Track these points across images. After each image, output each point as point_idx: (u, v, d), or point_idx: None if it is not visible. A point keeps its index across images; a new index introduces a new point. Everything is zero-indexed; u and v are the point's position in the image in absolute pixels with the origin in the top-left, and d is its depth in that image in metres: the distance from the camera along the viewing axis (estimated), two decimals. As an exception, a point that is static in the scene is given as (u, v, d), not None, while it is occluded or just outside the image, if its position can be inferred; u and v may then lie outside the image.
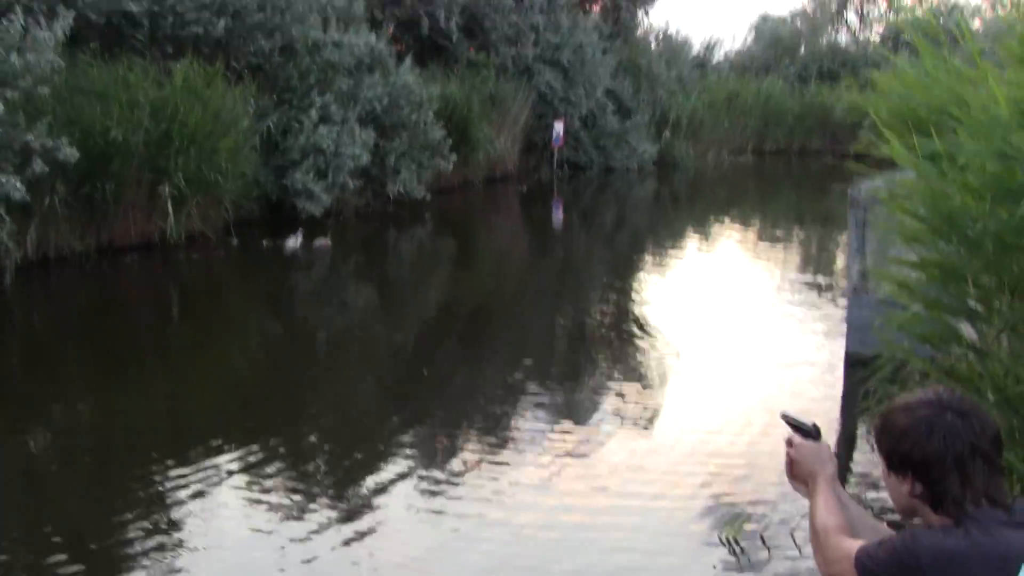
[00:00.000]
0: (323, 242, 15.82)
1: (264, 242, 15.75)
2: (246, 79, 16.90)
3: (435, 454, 6.62)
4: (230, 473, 6.03)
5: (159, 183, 14.54)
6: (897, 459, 1.67)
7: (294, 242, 15.49)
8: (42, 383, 8.40)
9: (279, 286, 13.42)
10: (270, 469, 6.15)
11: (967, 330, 4.08)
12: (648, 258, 16.76)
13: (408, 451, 6.59)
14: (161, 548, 4.99)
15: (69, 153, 12.38)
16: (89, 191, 13.76)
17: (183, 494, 5.70)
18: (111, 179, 13.93)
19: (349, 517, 5.44)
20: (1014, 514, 1.62)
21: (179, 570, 4.76)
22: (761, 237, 19.20)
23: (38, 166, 11.85)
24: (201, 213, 15.47)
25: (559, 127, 26.08)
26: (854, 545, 1.67)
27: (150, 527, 5.23)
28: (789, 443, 1.90)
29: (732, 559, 4.80)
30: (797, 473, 1.89)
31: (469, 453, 6.63)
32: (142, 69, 14.77)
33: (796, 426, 1.92)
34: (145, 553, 4.88)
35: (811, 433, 1.88)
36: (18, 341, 10.41)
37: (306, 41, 17.84)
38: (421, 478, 6.08)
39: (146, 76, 14.67)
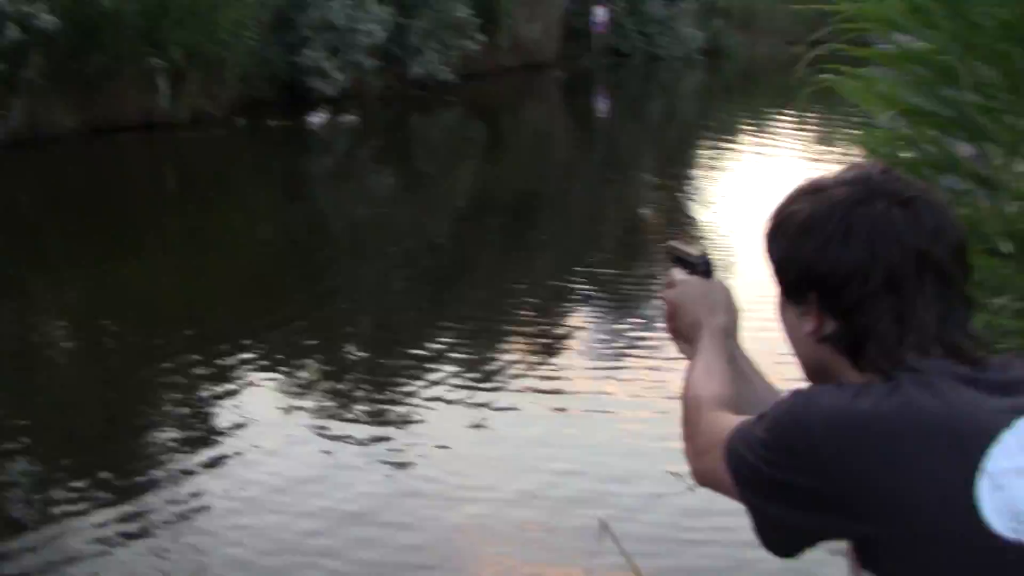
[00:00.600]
0: (350, 118, 15.15)
1: (270, 122, 14.76)
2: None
3: (465, 347, 6.18)
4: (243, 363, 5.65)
5: (156, 58, 13.54)
6: (795, 275, 1.02)
7: (319, 119, 14.75)
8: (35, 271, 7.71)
9: (292, 166, 12.50)
10: (288, 363, 5.71)
11: (966, 152, 2.96)
12: (698, 153, 15.15)
13: (437, 344, 6.08)
14: (189, 444, 4.69)
15: (48, 20, 11.43)
16: (78, 66, 12.86)
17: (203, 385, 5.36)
18: (101, 52, 13.01)
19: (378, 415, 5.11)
20: (984, 370, 0.96)
21: (211, 464, 4.46)
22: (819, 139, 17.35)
23: (13, 32, 10.92)
24: (206, 91, 14.55)
25: (600, 11, 24.55)
26: (733, 424, 1.04)
27: (173, 420, 4.98)
28: (669, 283, 1.35)
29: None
30: (678, 326, 1.31)
31: (504, 346, 6.24)
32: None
33: (681, 259, 1.37)
34: (169, 448, 4.63)
35: (698, 267, 1.33)
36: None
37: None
38: (452, 373, 5.68)
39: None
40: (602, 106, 20.85)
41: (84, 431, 4.75)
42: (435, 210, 9.99)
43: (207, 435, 4.68)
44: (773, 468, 0.95)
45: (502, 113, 18.60)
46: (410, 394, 5.21)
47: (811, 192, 1.02)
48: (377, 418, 5.01)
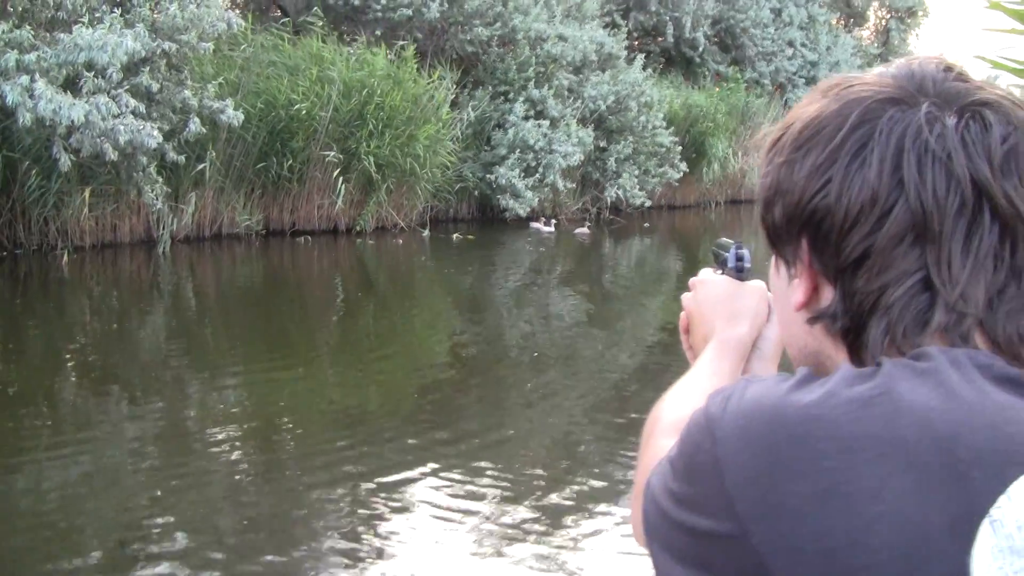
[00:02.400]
0: (582, 231, 15.73)
1: (455, 235, 14.23)
2: (455, 67, 15.20)
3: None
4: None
5: (348, 166, 13.02)
6: (782, 210, 0.75)
7: (547, 227, 15.50)
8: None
9: (472, 279, 11.67)
10: (458, 486, 4.80)
11: None
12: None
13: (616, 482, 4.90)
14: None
15: (233, 115, 10.83)
16: (267, 166, 12.40)
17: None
18: (292, 156, 12.60)
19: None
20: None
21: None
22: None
23: (195, 126, 10.33)
24: (394, 202, 14.00)
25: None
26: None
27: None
28: (692, 284, 1.11)
29: None
30: (692, 341, 1.08)
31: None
32: (337, 47, 13.34)
33: (716, 255, 1.14)
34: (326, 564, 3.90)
35: (728, 262, 1.08)
36: (161, 321, 8.99)
37: (527, 32, 15.89)
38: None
39: (340, 54, 13.17)
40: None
41: (234, 538, 4.14)
42: (628, 340, 8.53)
43: (368, 554, 3.97)
44: (676, 503, 0.67)
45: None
46: (584, 537, 4.21)
47: (831, 88, 0.76)
48: (550, 562, 3.98)
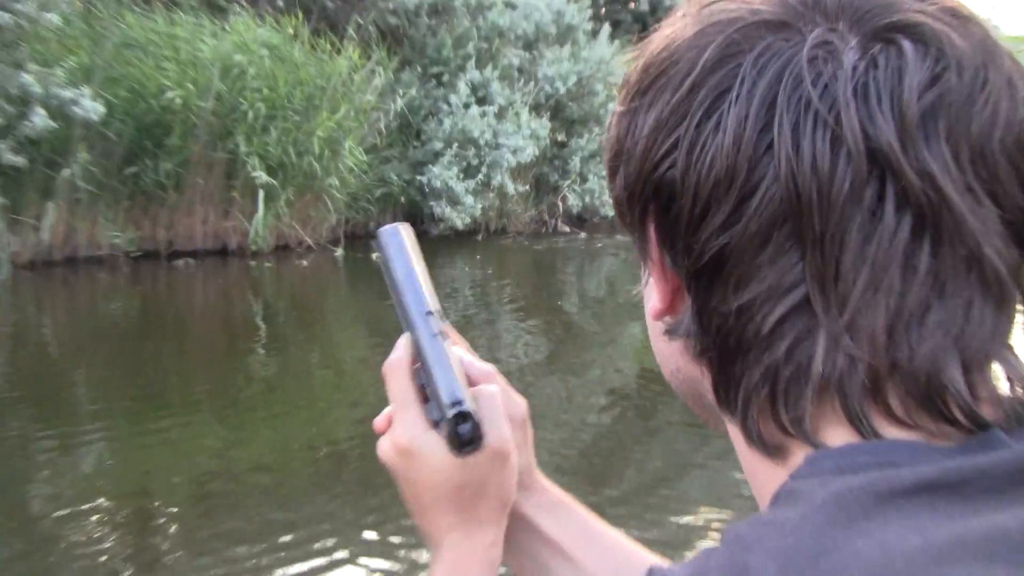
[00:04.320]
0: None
1: (376, 255, 13.81)
2: (376, 44, 15.40)
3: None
4: None
5: (237, 170, 13.12)
6: (622, 186, 0.71)
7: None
8: None
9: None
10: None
11: None
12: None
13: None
14: None
15: (91, 108, 10.84)
16: (134, 173, 12.38)
17: None
18: (168, 157, 12.67)
19: None
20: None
21: None
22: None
23: (38, 120, 10.31)
24: (297, 215, 14.05)
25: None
26: None
27: None
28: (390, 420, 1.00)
29: None
30: (412, 504, 0.99)
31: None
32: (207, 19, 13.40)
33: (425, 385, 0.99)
34: None
35: (444, 427, 0.94)
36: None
37: (466, 1, 16.12)
38: None
39: (211, 29, 13.27)
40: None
41: None
42: (595, 394, 8.75)
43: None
44: None
45: None
46: None
47: (697, 5, 0.71)
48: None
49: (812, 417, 0.61)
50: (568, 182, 17.52)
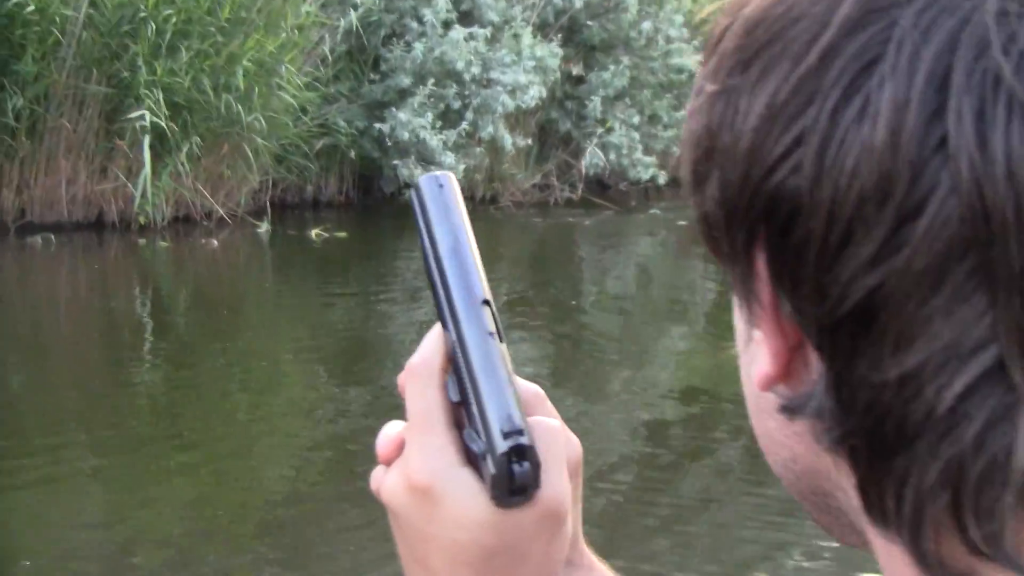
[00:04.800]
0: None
1: (316, 232, 14.44)
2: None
3: None
4: None
5: (121, 109, 13.21)
6: (717, 197, 0.72)
7: None
8: None
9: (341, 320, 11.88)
10: None
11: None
12: None
13: None
14: None
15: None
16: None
17: None
18: (20, 89, 12.80)
19: None
20: None
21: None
22: None
23: None
24: (208, 176, 14.21)
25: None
26: None
27: None
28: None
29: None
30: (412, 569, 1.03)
31: None
32: None
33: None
34: None
35: (489, 465, 0.96)
36: None
37: None
38: None
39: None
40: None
41: None
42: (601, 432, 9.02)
43: None
44: None
45: None
46: None
47: None
48: None
49: (1015, 532, 0.62)
50: (586, 134, 17.68)
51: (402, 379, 0.99)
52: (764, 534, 7.20)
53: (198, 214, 14.04)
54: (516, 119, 16.57)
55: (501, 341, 0.99)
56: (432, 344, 0.99)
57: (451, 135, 15.66)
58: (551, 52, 16.70)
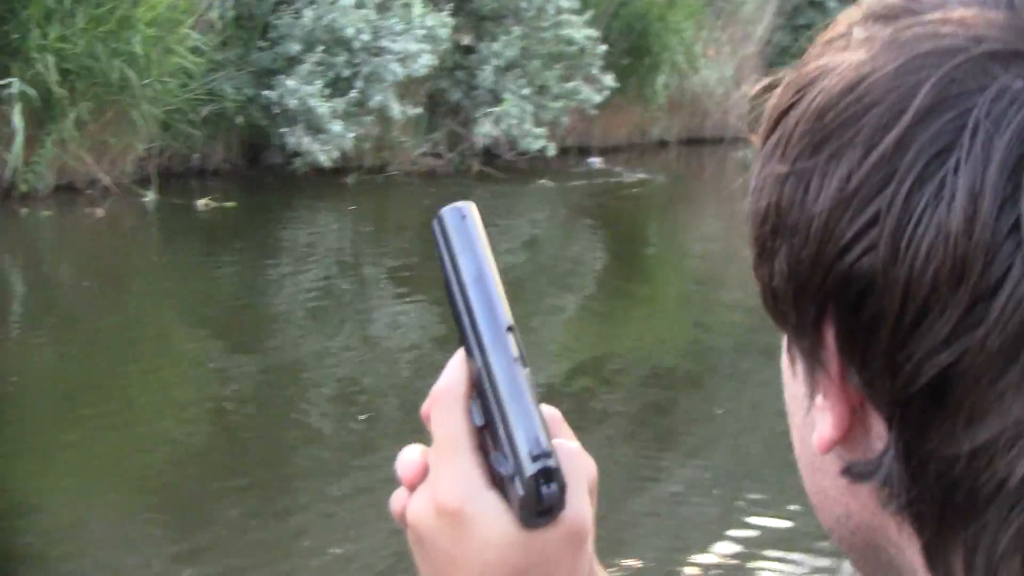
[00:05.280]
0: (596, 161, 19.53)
1: (203, 202, 14.39)
2: None
3: None
4: None
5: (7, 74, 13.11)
6: (786, 274, 0.75)
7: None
8: None
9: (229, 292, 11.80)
10: None
11: None
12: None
13: None
14: None
15: None
16: None
17: None
18: None
19: None
20: None
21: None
22: None
23: None
24: (92, 143, 14.05)
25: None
26: None
27: None
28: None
29: None
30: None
31: None
32: None
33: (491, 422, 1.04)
34: None
35: (517, 488, 0.97)
36: None
37: None
38: None
39: None
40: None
41: None
42: None
43: None
44: None
45: (631, 228, 17.71)
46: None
47: (886, 18, 0.73)
48: None
49: None
50: (476, 104, 17.79)
51: (427, 406, 1.01)
52: (656, 491, 7.44)
53: (82, 183, 13.93)
54: (406, 88, 16.55)
55: (525, 366, 0.99)
56: (456, 370, 1.00)
57: (340, 103, 15.64)
58: (441, 22, 16.70)
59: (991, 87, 0.64)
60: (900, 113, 0.66)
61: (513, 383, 0.98)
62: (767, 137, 0.74)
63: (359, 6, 15.80)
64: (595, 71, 18.98)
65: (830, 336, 0.70)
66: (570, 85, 18.72)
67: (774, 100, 0.75)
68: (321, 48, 15.62)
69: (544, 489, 0.94)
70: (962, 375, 0.64)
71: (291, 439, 8.01)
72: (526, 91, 18.00)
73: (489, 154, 18.13)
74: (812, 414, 0.75)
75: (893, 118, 0.66)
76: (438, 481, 0.96)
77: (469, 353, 1.01)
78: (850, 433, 0.72)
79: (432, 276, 11.19)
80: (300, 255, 12.86)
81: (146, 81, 13.85)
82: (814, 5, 25.10)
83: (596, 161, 19.65)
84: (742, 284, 11.89)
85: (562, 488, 0.95)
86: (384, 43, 15.92)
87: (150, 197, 14.13)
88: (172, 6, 14.21)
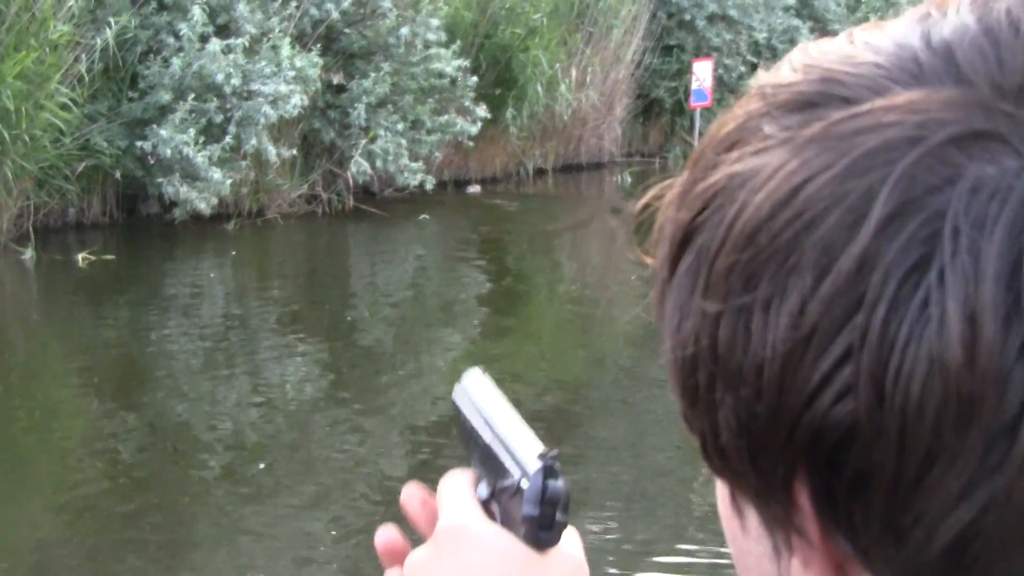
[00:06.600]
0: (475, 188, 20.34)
1: (84, 255, 14.27)
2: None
3: None
4: None
5: None
6: (734, 430, 0.62)
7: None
8: None
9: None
10: None
11: None
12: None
13: None
14: None
15: None
16: None
17: None
18: None
19: None
20: None
21: None
22: None
23: None
24: None
25: (703, 71, 23.95)
26: None
27: None
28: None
29: None
30: None
31: None
32: None
33: (468, 440, 1.05)
34: None
35: (525, 509, 0.96)
36: None
37: None
38: None
39: None
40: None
41: None
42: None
43: None
44: None
45: (510, 260, 17.63)
46: None
47: (816, 101, 0.61)
48: None
49: None
50: (351, 143, 17.74)
51: (418, 509, 1.02)
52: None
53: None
54: (279, 130, 16.52)
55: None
56: (459, 472, 1.01)
57: (215, 149, 15.51)
58: (311, 62, 16.63)
59: (961, 180, 0.55)
60: (855, 226, 0.56)
61: (506, 413, 1.01)
62: (675, 261, 0.64)
63: (227, 51, 15.71)
64: (467, 103, 19.00)
65: (804, 498, 0.60)
66: (444, 118, 18.75)
67: (674, 213, 0.65)
68: (192, 95, 15.49)
69: (551, 483, 0.94)
70: (987, 530, 0.55)
71: (185, 490, 8.00)
72: (400, 126, 17.97)
73: (367, 192, 18.16)
74: (781, 571, 0.65)
75: (848, 233, 0.56)
76: (450, 520, 0.97)
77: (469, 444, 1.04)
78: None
79: (319, 321, 11.29)
80: (184, 305, 12.82)
81: (19, 139, 13.84)
82: (683, 25, 25.02)
83: (475, 188, 20.02)
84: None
85: (559, 521, 0.95)
86: (255, 86, 15.84)
87: (28, 254, 14.08)
88: (39, 60, 14.17)
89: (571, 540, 0.97)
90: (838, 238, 0.56)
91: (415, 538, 1.03)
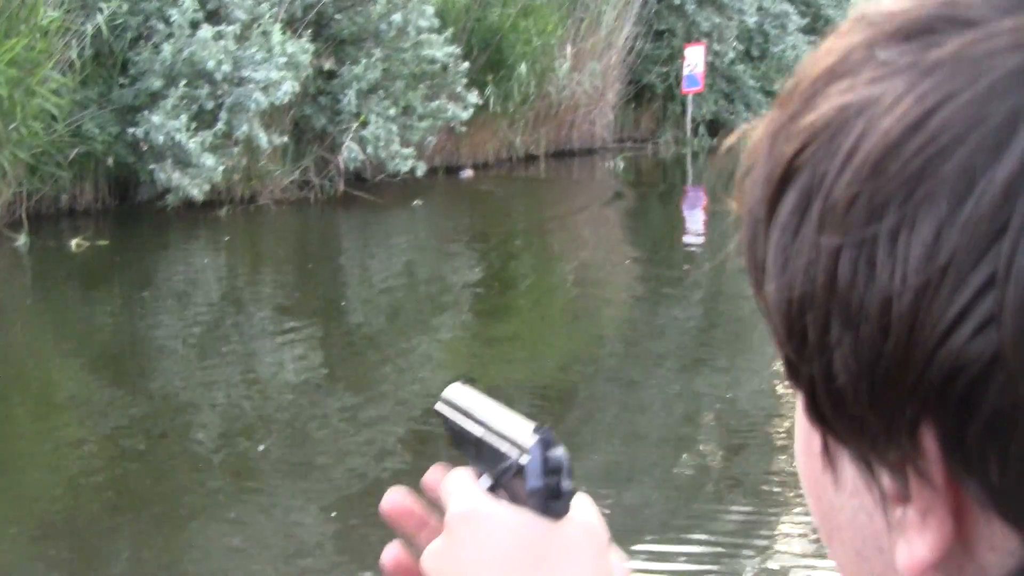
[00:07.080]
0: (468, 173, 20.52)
1: (77, 241, 14.28)
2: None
3: None
4: None
5: None
6: (854, 371, 0.58)
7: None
8: None
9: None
10: None
11: None
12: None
13: None
14: None
15: None
16: None
17: None
18: None
19: None
20: None
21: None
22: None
23: None
24: None
25: (694, 57, 24.09)
26: None
27: None
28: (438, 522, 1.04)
29: None
30: None
31: None
32: None
33: (457, 438, 1.12)
34: None
35: (530, 482, 0.97)
36: None
37: None
38: None
39: None
40: (698, 224, 19.57)
41: None
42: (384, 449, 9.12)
43: None
44: None
45: (502, 248, 17.30)
46: None
47: (904, 38, 0.58)
48: None
49: None
50: (342, 128, 17.75)
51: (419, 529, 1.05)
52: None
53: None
54: (271, 116, 16.55)
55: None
56: (460, 470, 1.03)
57: (207, 136, 15.53)
58: (302, 48, 16.66)
59: None
60: (998, 149, 0.54)
61: (493, 406, 1.05)
62: (775, 199, 0.62)
63: (217, 37, 15.74)
64: (459, 88, 19.00)
65: (930, 441, 0.57)
66: (435, 104, 18.74)
67: (769, 151, 0.63)
68: (183, 81, 15.54)
69: (550, 453, 0.96)
70: None
71: (183, 473, 8.01)
72: (391, 112, 17.97)
73: (359, 177, 18.15)
74: (896, 526, 0.62)
75: (991, 157, 0.54)
76: (459, 508, 0.98)
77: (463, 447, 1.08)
78: (950, 547, 0.60)
79: (314, 306, 11.27)
80: (177, 290, 12.86)
81: (12, 125, 13.87)
82: (673, 9, 24.98)
83: (468, 173, 20.18)
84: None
85: (566, 489, 0.97)
86: (246, 73, 15.89)
87: (22, 240, 14.12)
88: (30, 47, 14.19)
89: (583, 506, 0.98)
90: (980, 162, 0.54)
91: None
